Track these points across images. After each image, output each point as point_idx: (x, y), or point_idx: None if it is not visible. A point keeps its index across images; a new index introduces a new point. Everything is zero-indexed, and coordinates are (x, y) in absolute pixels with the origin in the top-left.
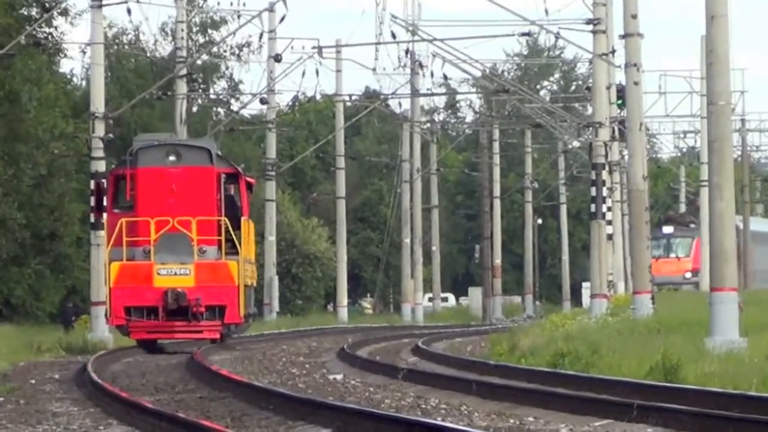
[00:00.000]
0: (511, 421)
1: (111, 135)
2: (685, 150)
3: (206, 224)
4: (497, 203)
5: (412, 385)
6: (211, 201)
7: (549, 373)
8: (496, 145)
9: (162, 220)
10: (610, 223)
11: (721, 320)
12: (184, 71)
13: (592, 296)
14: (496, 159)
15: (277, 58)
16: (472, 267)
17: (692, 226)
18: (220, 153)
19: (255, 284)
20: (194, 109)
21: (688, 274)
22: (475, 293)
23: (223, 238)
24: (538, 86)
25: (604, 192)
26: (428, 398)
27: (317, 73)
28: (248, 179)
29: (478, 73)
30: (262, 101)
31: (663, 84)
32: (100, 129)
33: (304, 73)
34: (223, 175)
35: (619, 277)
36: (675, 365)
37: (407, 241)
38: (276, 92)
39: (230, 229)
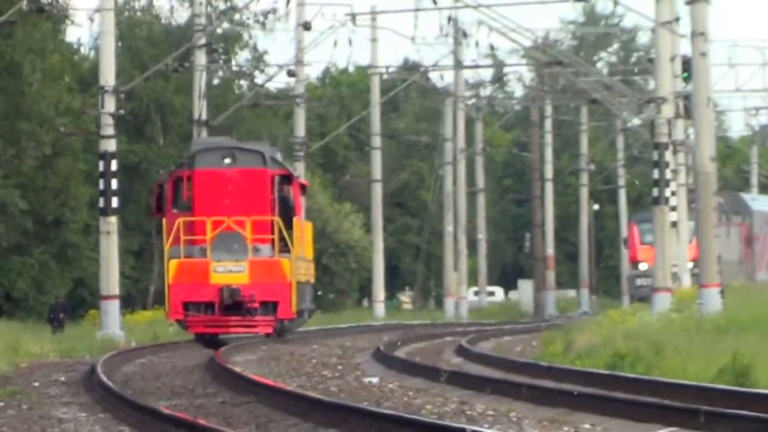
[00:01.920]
0: (565, 428)
1: (122, 111)
2: (757, 128)
3: (260, 224)
4: (549, 187)
5: (456, 389)
6: (264, 201)
7: (607, 375)
8: (548, 123)
9: (218, 220)
10: (674, 208)
11: None
12: (203, 40)
13: (655, 290)
14: (548, 138)
15: (306, 26)
16: (522, 258)
17: (692, 206)
18: (279, 157)
19: (312, 281)
20: (214, 81)
21: (689, 264)
22: (526, 287)
23: (276, 237)
24: (594, 57)
25: (668, 174)
26: (474, 404)
27: (350, 42)
28: (302, 181)
29: (529, 43)
30: (290, 73)
31: (733, 55)
32: (110, 104)
33: (335, 43)
34: (276, 177)
35: (684, 269)
36: (746, 367)
37: (450, 228)
38: (305, 64)
39: (283, 228)
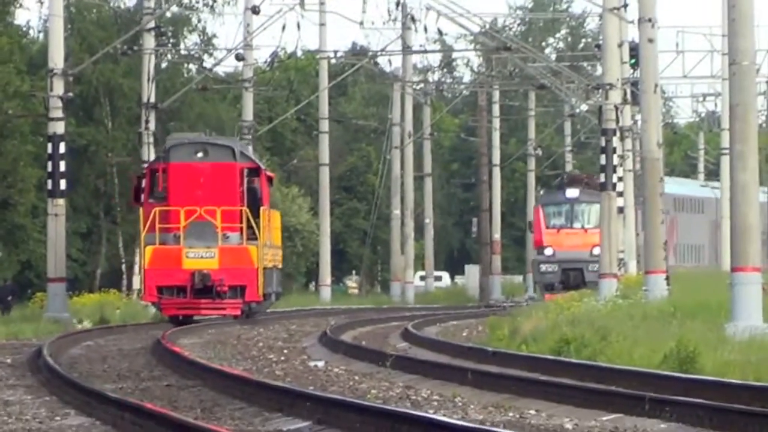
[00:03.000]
0: (510, 414)
1: (71, 93)
2: (704, 115)
3: (229, 213)
4: (497, 172)
5: (402, 373)
6: (234, 193)
7: (552, 361)
8: (496, 108)
9: (190, 210)
10: (621, 194)
11: (744, 304)
12: (151, 24)
13: (601, 276)
14: (496, 123)
15: (255, 10)
16: (469, 242)
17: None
18: (249, 151)
19: (280, 266)
20: (163, 65)
21: (596, 250)
22: (472, 271)
23: (244, 225)
24: (543, 43)
25: (615, 160)
26: (419, 388)
27: (299, 26)
28: (268, 174)
29: (477, 29)
30: (238, 57)
31: (680, 42)
32: (58, 87)
33: (284, 27)
34: (245, 170)
35: (631, 255)
36: (691, 354)
37: (397, 213)
38: (253, 48)
39: (250, 217)
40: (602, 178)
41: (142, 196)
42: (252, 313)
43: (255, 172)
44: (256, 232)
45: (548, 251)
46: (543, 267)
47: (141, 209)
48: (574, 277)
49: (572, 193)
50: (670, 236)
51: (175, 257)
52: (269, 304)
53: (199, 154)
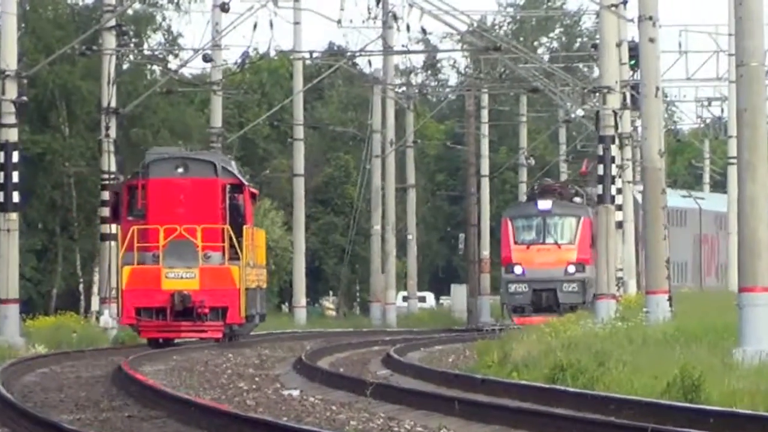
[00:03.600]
0: None
1: (25, 98)
2: (709, 121)
3: (211, 231)
4: (486, 183)
5: (383, 403)
6: (215, 210)
7: (546, 389)
8: (485, 114)
9: (170, 228)
10: (620, 208)
11: (753, 327)
12: (112, 22)
13: (598, 296)
14: (485, 130)
15: (224, 8)
16: (456, 260)
17: (577, 200)
18: (233, 166)
19: (264, 286)
20: (124, 67)
21: (572, 268)
22: (459, 292)
23: (226, 244)
24: (535, 43)
25: (613, 170)
26: (402, 419)
27: (271, 25)
28: (252, 190)
29: (464, 27)
30: (206, 58)
31: (684, 41)
32: (11, 90)
33: (255, 26)
34: (227, 186)
35: (630, 274)
36: (697, 381)
37: (377, 228)
38: (222, 48)
39: (233, 236)
40: (599, 190)
41: (120, 214)
42: (234, 336)
43: (238, 188)
44: (239, 251)
45: (517, 269)
46: (512, 287)
47: (119, 227)
48: (546, 298)
49: (544, 204)
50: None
51: (154, 278)
52: (252, 327)
53: (180, 170)
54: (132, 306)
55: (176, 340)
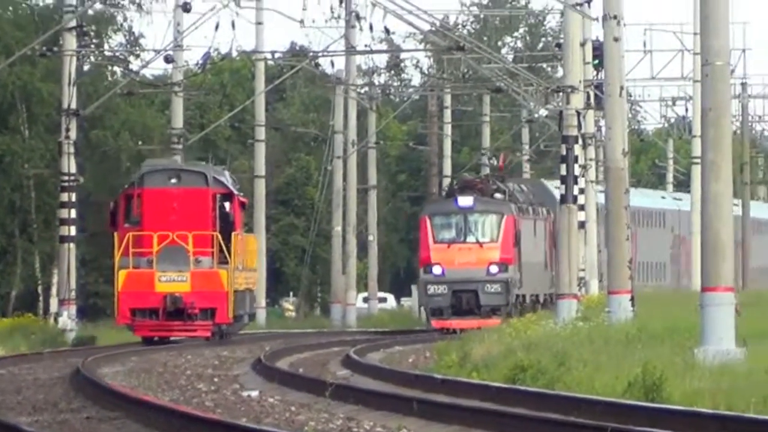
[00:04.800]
0: None
1: None
2: (673, 120)
3: (201, 238)
4: (447, 183)
5: (342, 404)
6: (206, 218)
7: (506, 389)
8: (448, 114)
9: (163, 234)
10: (582, 208)
11: (714, 326)
12: (73, 22)
13: (559, 296)
14: (448, 130)
15: (186, 8)
16: (416, 261)
17: (498, 196)
18: (226, 177)
19: (254, 288)
20: (85, 68)
21: (494, 268)
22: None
23: (216, 249)
24: (499, 43)
25: (576, 170)
26: (361, 420)
27: (233, 25)
28: (241, 199)
29: (427, 27)
30: (167, 59)
31: (648, 40)
32: None
33: (217, 26)
34: (218, 196)
35: (593, 274)
36: (658, 381)
37: (338, 229)
38: (184, 48)
39: (222, 242)
40: (562, 190)
41: (118, 221)
42: (224, 335)
43: (227, 197)
44: (228, 256)
45: (436, 270)
46: (430, 288)
47: (116, 234)
48: (467, 300)
49: (465, 201)
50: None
51: (148, 281)
52: (241, 326)
53: (173, 180)
54: (127, 307)
55: (172, 338)
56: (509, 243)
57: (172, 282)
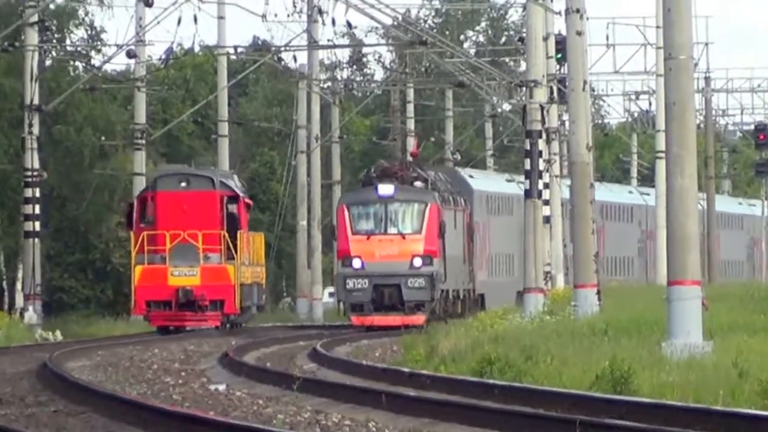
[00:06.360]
0: None
1: None
2: (637, 114)
3: (210, 236)
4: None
5: (310, 396)
6: (214, 218)
7: (474, 383)
8: (411, 108)
9: (175, 233)
10: (547, 202)
11: (681, 320)
12: (34, 17)
13: (525, 290)
14: (411, 124)
15: (148, 2)
16: None
17: (418, 184)
18: (235, 181)
19: (260, 282)
20: (47, 63)
21: (418, 261)
22: None
23: (223, 247)
24: (461, 37)
25: (541, 165)
26: (329, 413)
27: (195, 20)
28: (246, 201)
29: (389, 21)
30: (129, 54)
31: (611, 34)
32: None
33: (180, 21)
34: (225, 198)
35: (559, 268)
36: (626, 374)
37: (303, 224)
38: (146, 43)
39: (228, 240)
40: (526, 184)
41: (134, 222)
42: (233, 324)
43: (234, 199)
44: (234, 252)
45: (356, 263)
46: (350, 283)
47: (132, 233)
48: (389, 295)
49: (386, 189)
50: (483, 247)
51: (162, 275)
52: (249, 316)
53: (183, 184)
54: (143, 299)
55: (187, 328)
56: (434, 234)
57: (184, 276)
